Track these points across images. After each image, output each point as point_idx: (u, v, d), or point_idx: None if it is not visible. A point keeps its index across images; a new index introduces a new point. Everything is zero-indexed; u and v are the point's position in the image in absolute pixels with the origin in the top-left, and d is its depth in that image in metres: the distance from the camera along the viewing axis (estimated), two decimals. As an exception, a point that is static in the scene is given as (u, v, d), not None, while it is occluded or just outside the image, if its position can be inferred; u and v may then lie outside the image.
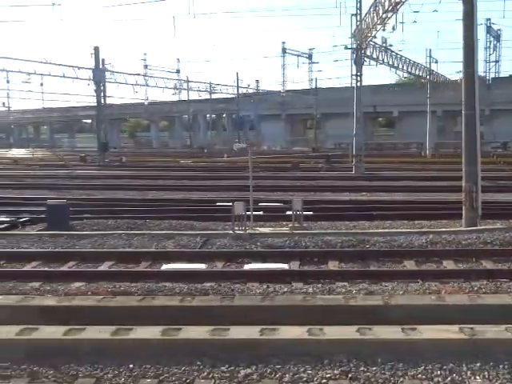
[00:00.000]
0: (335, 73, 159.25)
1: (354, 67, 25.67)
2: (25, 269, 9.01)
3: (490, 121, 57.01)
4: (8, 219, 12.93)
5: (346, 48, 25.71)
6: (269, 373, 4.99)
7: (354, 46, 25.05)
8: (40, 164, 36.56)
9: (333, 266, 9.05)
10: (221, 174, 26.92)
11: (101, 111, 38.34)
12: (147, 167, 33.53)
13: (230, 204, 15.98)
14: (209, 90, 64.02)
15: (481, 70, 57.91)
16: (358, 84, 26.39)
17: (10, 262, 9.54)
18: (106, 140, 38.91)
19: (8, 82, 76.36)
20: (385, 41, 27.75)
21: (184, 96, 69.67)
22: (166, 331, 5.61)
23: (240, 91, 62.46)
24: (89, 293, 7.42)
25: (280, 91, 67.80)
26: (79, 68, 37.89)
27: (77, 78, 37.67)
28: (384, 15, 18.86)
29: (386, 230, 11.15)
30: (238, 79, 54.36)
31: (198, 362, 5.14)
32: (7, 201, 17.55)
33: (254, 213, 13.96)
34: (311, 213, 13.64)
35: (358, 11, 25.07)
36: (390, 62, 30.02)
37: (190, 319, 6.11)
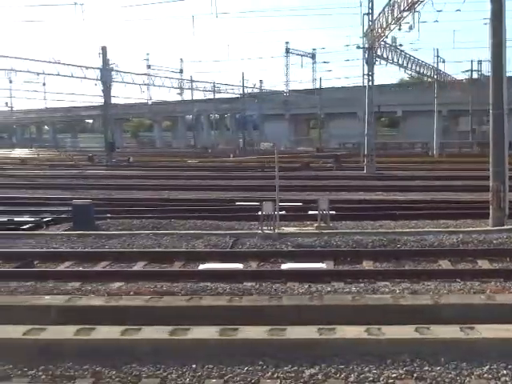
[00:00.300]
0: (342, 72, 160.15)
1: (366, 67, 25.56)
2: (62, 269, 8.99)
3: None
4: (32, 219, 12.90)
5: (358, 47, 25.71)
6: (333, 373, 4.98)
7: (366, 45, 25.02)
8: (48, 164, 36.49)
9: (368, 265, 9.04)
10: (232, 174, 26.92)
11: (108, 111, 38.25)
12: (156, 167, 33.51)
13: (250, 204, 16.21)
14: (212, 89, 63.99)
15: (485, 70, 57.96)
16: (370, 84, 26.19)
17: (44, 262, 9.53)
18: (113, 140, 38.76)
19: (11, 82, 77.07)
20: (394, 40, 27.83)
21: (187, 96, 69.87)
22: (223, 331, 5.59)
23: (245, 91, 62.47)
24: (131, 293, 7.41)
25: (284, 91, 67.80)
26: (87, 68, 37.82)
27: (85, 77, 37.61)
28: (399, 15, 18.85)
29: (415, 230, 11.14)
30: (243, 79, 54.35)
31: (260, 362, 5.13)
32: (25, 201, 17.59)
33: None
34: (334, 212, 13.62)
35: (370, 11, 25.08)
36: (400, 62, 29.98)
37: (240, 319, 6.10)
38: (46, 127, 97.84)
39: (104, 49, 37.17)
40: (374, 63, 25.43)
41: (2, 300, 6.96)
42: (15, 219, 12.85)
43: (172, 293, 7.42)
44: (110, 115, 67.67)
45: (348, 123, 66.31)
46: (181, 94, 72.74)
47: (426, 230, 11.19)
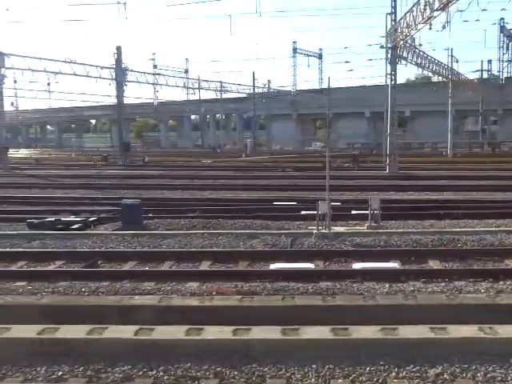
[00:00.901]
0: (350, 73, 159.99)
1: (389, 66, 25.56)
2: (136, 269, 8.98)
3: (504, 120, 57.12)
4: (79, 219, 12.85)
5: (382, 47, 25.74)
6: (458, 372, 4.96)
7: (389, 45, 25.02)
8: (62, 164, 36.41)
9: (435, 265, 9.03)
10: (254, 174, 26.86)
11: (122, 111, 38.18)
12: (173, 167, 33.47)
13: (288, 203, 16.22)
14: (219, 89, 63.90)
15: (494, 69, 58.11)
16: (391, 83, 26.18)
17: (108, 262, 9.49)
18: (127, 140, 38.72)
19: (15, 81, 76.90)
20: (413, 40, 27.81)
21: (192, 96, 69.83)
22: (334, 331, 5.57)
23: (251, 91, 62.38)
24: (213, 293, 7.37)
25: (291, 91, 67.76)
26: (102, 67, 37.74)
27: (100, 77, 37.54)
28: (431, 14, 18.84)
29: (472, 229, 11.11)
30: (254, 79, 54.32)
31: (382, 362, 5.11)
32: (58, 200, 17.56)
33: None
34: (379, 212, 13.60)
35: (393, 10, 25.09)
36: (418, 62, 29.98)
37: (336, 319, 6.08)
38: (48, 127, 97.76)
39: (119, 49, 37.11)
40: (397, 63, 25.41)
41: (92, 300, 6.92)
42: (62, 219, 12.79)
43: (254, 292, 7.39)
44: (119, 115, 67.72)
45: (355, 123, 66.40)
46: (187, 93, 72.93)
47: (483, 229, 11.16)
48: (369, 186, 20.55)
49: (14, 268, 9.26)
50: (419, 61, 30.19)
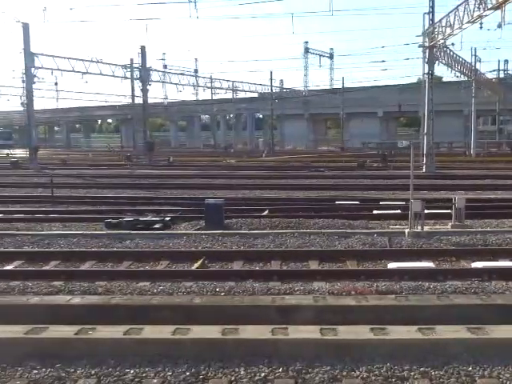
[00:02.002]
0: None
1: (426, 66, 25.55)
2: (267, 269, 8.97)
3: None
4: (158, 219, 12.77)
5: (420, 46, 25.66)
6: None
7: (427, 44, 25.01)
8: (89, 164, 36.30)
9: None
10: (290, 174, 26.82)
11: (146, 110, 38.06)
12: (201, 166, 33.38)
13: (350, 203, 16.17)
14: (231, 88, 63.69)
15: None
16: (428, 82, 26.15)
17: (214, 262, 9.43)
18: (151, 140, 38.61)
19: (23, 81, 76.60)
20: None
21: (201, 95, 69.82)
22: (420, 330, 5.55)
23: (263, 90, 62.25)
24: (352, 292, 7.32)
25: (303, 91, 67.68)
26: (126, 67, 37.63)
27: (124, 77, 37.46)
28: (483, 13, 18.82)
29: None
30: (271, 78, 54.19)
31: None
32: (114, 200, 17.50)
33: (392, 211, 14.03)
34: (449, 211, 13.56)
35: (431, 10, 25.08)
36: (448, 62, 29.97)
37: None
38: (55, 127, 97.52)
39: (143, 48, 37.02)
40: (435, 62, 25.41)
41: (247, 300, 6.85)
42: (141, 219, 12.71)
43: (393, 292, 7.35)
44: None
45: (367, 123, 66.37)
46: (196, 94, 72.84)
47: None
48: (418, 186, 20.51)
49: (122, 268, 9.20)
50: (449, 61, 30.17)
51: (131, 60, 46.82)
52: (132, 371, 5.10)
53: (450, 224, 11.89)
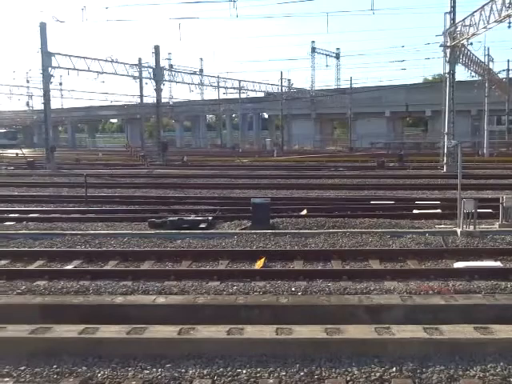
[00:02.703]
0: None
1: (447, 65, 25.54)
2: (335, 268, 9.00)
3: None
4: (202, 218, 12.73)
5: (441, 46, 25.64)
6: None
7: (448, 43, 25.01)
8: (103, 163, 36.21)
9: None
10: (310, 174, 26.69)
11: (160, 110, 37.99)
12: (216, 166, 33.34)
13: (385, 203, 16.13)
14: (238, 87, 63.52)
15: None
16: (450, 82, 26.14)
17: (274, 262, 9.40)
18: (165, 140, 38.55)
19: (28, 81, 76.51)
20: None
21: (207, 95, 69.72)
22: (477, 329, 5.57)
23: (270, 90, 62.07)
24: (430, 291, 7.31)
25: (309, 90, 67.55)
26: (141, 67, 37.57)
27: (137, 76, 37.38)
28: (508, 13, 18.82)
29: None
30: (281, 78, 54.09)
31: None
32: (146, 200, 17.45)
33: (433, 211, 14.00)
34: (490, 211, 13.56)
35: (452, 9, 25.08)
36: (465, 61, 29.93)
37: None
38: (59, 127, 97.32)
39: (157, 48, 36.92)
40: (456, 62, 25.41)
41: (334, 300, 6.82)
42: (185, 218, 12.66)
43: (471, 291, 7.34)
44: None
45: (374, 123, 66.34)
46: (201, 93, 72.78)
47: None
48: (446, 185, 20.59)
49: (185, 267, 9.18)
50: (467, 61, 30.13)
51: (139, 60, 46.87)
52: (244, 371, 5.08)
53: (498, 223, 11.85)
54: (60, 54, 31.05)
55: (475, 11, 21.96)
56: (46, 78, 30.18)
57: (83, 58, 32.68)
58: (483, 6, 21.07)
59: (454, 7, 24.94)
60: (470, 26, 22.82)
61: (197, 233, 11.36)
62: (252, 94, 67.44)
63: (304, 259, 9.52)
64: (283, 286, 7.72)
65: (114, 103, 74.94)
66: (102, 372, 5.09)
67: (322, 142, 69.81)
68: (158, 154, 38.20)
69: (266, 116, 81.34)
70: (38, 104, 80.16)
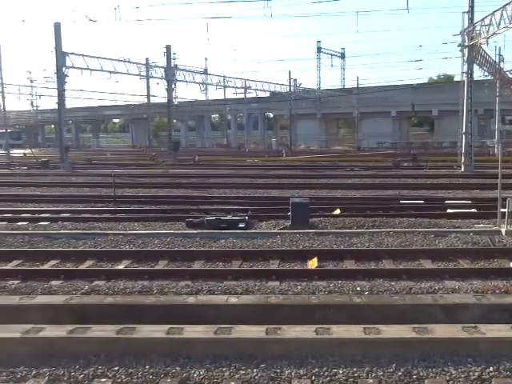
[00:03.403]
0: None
1: (465, 65, 25.56)
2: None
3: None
4: (239, 218, 12.68)
5: (460, 45, 25.66)
6: None
7: (466, 43, 25.02)
8: (114, 163, 36.15)
9: None
10: (328, 173, 26.68)
11: (171, 110, 37.96)
12: (229, 166, 33.29)
13: (415, 202, 16.11)
14: (243, 87, 63.45)
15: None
16: (468, 81, 26.13)
17: (325, 261, 9.37)
18: (177, 140, 38.50)
19: (32, 81, 76.39)
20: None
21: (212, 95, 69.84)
22: None
23: (277, 89, 62.03)
24: (497, 291, 7.28)
25: (316, 90, 67.58)
26: (152, 66, 37.55)
27: (151, 76, 37.38)
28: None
29: None
30: (290, 78, 54.02)
31: None
32: (173, 200, 17.42)
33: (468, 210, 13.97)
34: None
35: (470, 9, 25.09)
36: (481, 61, 29.94)
37: None
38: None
39: (168, 48, 36.90)
40: (474, 61, 25.41)
41: (408, 300, 6.80)
42: (222, 218, 12.64)
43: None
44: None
45: (380, 122, 66.34)
46: (205, 93, 72.75)
47: None
48: (472, 185, 20.67)
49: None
50: (482, 60, 30.14)
51: (147, 59, 46.87)
52: (341, 371, 5.06)
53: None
54: (74, 54, 31.03)
55: (496, 10, 21.97)
56: (61, 77, 30.13)
57: (96, 57, 32.65)
58: (505, 5, 21.09)
59: (472, 7, 24.95)
60: (489, 25, 22.81)
61: (239, 233, 11.33)
62: (257, 94, 67.67)
63: (355, 259, 9.49)
64: (346, 285, 7.69)
65: (118, 103, 75.06)
66: (197, 372, 5.07)
67: (328, 142, 69.84)
68: (169, 154, 38.19)
69: (270, 115, 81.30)
70: (43, 104, 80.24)
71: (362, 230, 11.37)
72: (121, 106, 77.40)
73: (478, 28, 24.44)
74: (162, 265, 9.35)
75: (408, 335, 5.51)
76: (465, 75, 26.14)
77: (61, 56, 29.84)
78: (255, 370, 5.09)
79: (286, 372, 5.06)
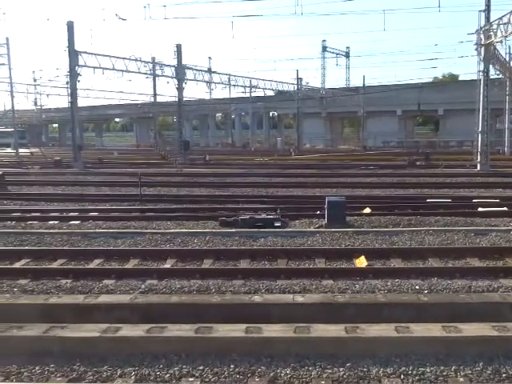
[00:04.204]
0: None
1: (481, 64, 25.55)
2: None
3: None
4: (275, 217, 12.64)
5: (476, 44, 25.63)
6: None
7: (482, 42, 25.00)
8: (125, 163, 36.12)
9: None
10: (344, 172, 26.60)
11: (181, 109, 37.90)
12: (240, 165, 33.26)
13: (443, 200, 16.09)
14: (249, 86, 63.36)
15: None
16: (484, 80, 26.10)
17: (372, 260, 9.33)
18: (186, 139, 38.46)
19: (35, 80, 76.24)
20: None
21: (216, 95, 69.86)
22: None
23: (283, 88, 61.97)
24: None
25: (321, 89, 67.56)
26: (161, 65, 37.51)
27: (162, 75, 37.34)
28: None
29: None
30: (298, 77, 53.94)
31: None
32: (199, 199, 17.39)
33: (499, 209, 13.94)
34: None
35: (487, 7, 25.06)
36: (494, 60, 29.91)
37: None
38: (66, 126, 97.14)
39: (179, 47, 36.83)
40: (490, 60, 25.40)
41: (469, 298, 6.76)
42: (256, 217, 12.59)
43: None
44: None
45: (385, 121, 66.32)
46: (210, 92, 72.72)
47: None
48: (490, 184, 20.60)
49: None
50: (495, 59, 30.13)
51: (153, 58, 46.81)
52: (428, 370, 5.03)
53: None
54: (86, 53, 30.95)
55: (516, 9, 21.89)
56: (74, 76, 30.08)
57: (108, 56, 32.59)
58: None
59: (488, 6, 24.92)
60: (508, 23, 22.78)
61: (277, 231, 11.29)
62: (262, 93, 67.60)
63: (401, 257, 9.45)
64: (403, 284, 7.65)
65: (122, 102, 75.00)
66: (283, 372, 5.03)
67: (333, 141, 69.81)
68: (179, 153, 38.10)
69: (275, 114, 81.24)
70: (44, 103, 79.97)
71: (401, 229, 11.34)
72: (124, 104, 77.41)
73: (494, 27, 24.42)
74: (207, 264, 9.30)
75: (490, 333, 5.47)
76: (481, 74, 26.06)
77: (73, 55, 29.78)
78: (341, 369, 5.05)
79: (374, 371, 5.03)
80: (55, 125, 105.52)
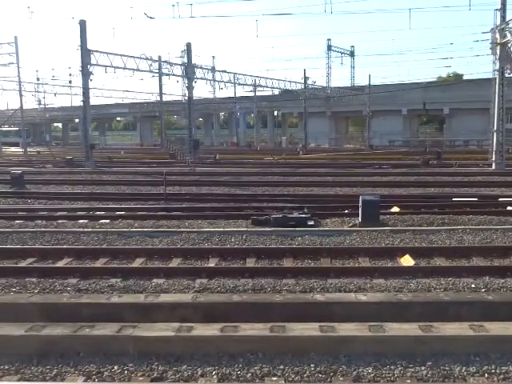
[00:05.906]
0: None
1: (497, 62, 25.50)
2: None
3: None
4: (307, 215, 12.60)
5: (492, 43, 25.58)
6: None
7: (498, 41, 24.96)
8: (136, 162, 36.07)
9: None
10: (358, 171, 26.55)
11: (191, 108, 37.80)
12: (252, 164, 33.23)
13: (468, 199, 16.06)
14: (254, 85, 63.29)
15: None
16: (500, 79, 26.06)
17: (416, 258, 9.29)
18: (196, 138, 38.42)
19: (38, 79, 76.02)
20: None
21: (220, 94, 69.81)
22: None
23: (289, 87, 61.88)
24: None
25: (326, 88, 67.44)
26: (171, 64, 37.45)
27: (172, 74, 37.27)
28: None
29: None
30: (305, 77, 53.88)
31: None
32: (224, 198, 17.35)
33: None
34: None
35: (502, 6, 25.02)
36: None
37: None
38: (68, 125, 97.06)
39: (189, 45, 36.74)
40: (507, 59, 25.34)
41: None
42: (289, 215, 12.55)
43: None
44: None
45: (390, 120, 66.30)
46: (213, 92, 72.75)
47: None
48: (507, 183, 20.57)
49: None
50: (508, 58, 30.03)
51: (159, 57, 46.63)
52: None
53: None
54: (98, 52, 30.86)
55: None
56: (86, 75, 29.97)
57: (120, 55, 32.51)
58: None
59: (504, 4, 24.90)
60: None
61: (312, 230, 11.25)
62: (266, 92, 67.56)
63: (444, 256, 9.41)
64: (457, 282, 7.62)
65: (125, 101, 74.83)
66: (365, 371, 4.98)
67: (338, 140, 69.77)
68: (189, 152, 38.03)
69: (279, 113, 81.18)
70: (48, 102, 79.78)
71: (437, 228, 11.31)
72: (127, 103, 77.25)
73: (511, 25, 24.38)
74: (251, 263, 9.25)
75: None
76: (496, 73, 26.03)
77: (86, 53, 29.69)
78: (423, 368, 5.01)
79: (456, 370, 4.99)
80: (56, 124, 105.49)
